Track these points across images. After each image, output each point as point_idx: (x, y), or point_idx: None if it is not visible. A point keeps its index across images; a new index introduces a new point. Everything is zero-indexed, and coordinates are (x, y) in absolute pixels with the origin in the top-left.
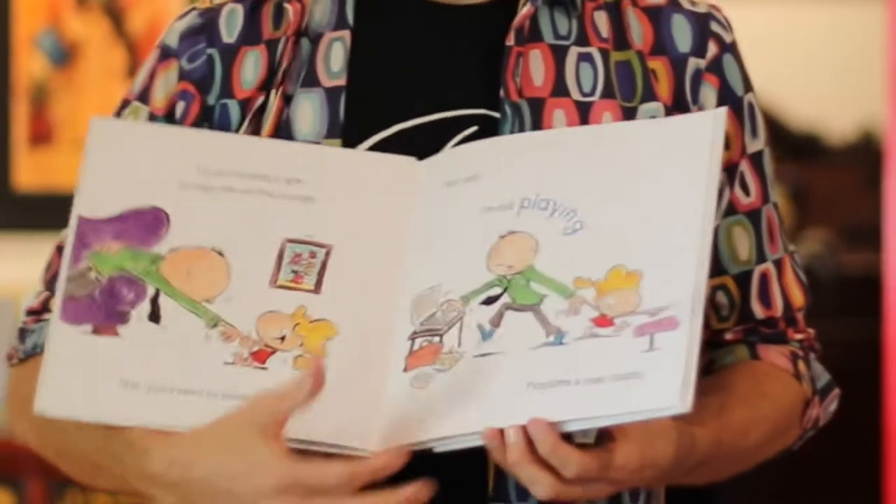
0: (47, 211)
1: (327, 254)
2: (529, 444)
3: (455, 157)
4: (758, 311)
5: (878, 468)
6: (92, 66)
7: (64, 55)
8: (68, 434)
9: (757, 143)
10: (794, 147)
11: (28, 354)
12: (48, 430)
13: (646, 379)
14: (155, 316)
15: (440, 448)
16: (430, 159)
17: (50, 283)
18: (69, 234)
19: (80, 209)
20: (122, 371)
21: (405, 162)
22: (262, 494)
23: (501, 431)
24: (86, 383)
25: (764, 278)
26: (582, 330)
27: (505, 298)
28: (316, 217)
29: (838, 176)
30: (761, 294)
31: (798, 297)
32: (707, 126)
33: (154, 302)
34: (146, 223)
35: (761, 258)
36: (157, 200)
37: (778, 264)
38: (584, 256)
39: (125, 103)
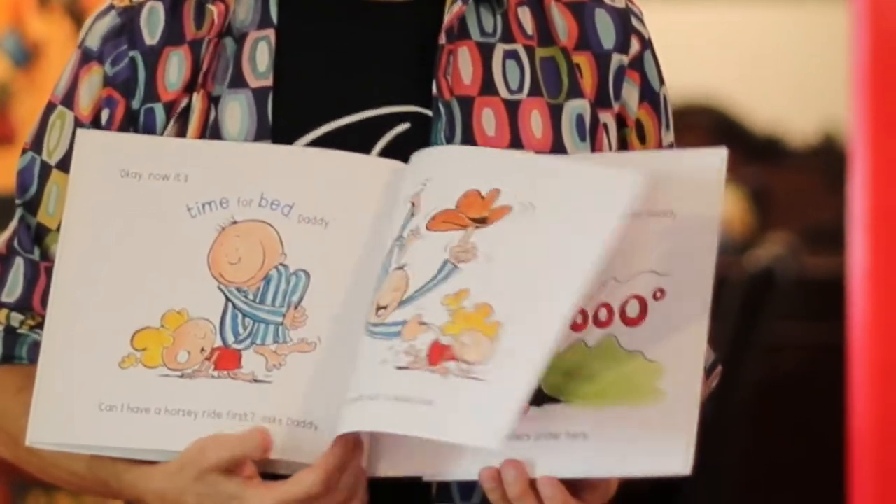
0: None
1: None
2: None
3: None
4: None
5: (842, 471)
6: (54, 66)
7: (26, 56)
8: (46, 457)
9: (669, 136)
10: (756, 149)
11: None
12: (23, 451)
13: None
14: None
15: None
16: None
17: None
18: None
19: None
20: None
21: (389, 167)
22: None
23: (499, 472)
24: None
25: None
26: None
27: None
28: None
29: (800, 178)
30: None
31: None
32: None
33: None
34: None
35: None
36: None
37: None
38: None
39: (51, 106)
